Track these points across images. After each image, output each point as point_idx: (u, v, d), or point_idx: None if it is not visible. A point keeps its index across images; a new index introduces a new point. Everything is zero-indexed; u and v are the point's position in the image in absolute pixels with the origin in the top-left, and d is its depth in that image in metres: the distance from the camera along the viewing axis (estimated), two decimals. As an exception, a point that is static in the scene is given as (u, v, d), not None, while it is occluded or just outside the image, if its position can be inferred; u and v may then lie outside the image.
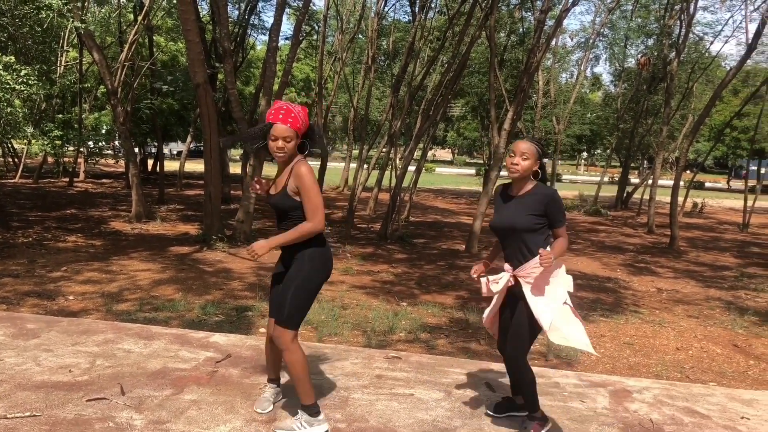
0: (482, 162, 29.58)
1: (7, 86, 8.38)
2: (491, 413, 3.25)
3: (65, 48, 17.04)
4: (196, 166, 28.58)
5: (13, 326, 4.34)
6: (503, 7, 16.45)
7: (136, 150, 19.89)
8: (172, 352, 3.99)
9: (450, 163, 60.44)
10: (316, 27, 20.75)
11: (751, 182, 20.88)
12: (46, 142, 15.48)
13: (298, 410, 2.95)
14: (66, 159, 19.05)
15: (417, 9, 13.33)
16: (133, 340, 4.17)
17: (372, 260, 8.95)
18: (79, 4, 11.20)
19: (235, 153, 29.11)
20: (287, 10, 14.94)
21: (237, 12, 17.78)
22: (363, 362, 4.03)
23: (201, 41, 10.04)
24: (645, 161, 31.70)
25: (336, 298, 6.30)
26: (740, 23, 41.04)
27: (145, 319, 5.11)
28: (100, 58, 11.11)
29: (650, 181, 17.34)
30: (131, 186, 11.92)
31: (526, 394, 3.01)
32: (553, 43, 21.16)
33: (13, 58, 9.26)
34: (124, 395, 3.24)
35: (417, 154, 13.94)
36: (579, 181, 39.40)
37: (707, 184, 41.39)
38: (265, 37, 31.63)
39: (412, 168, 13.19)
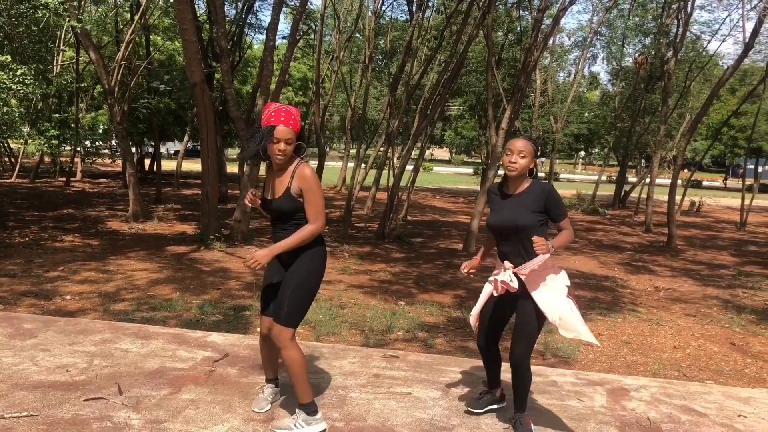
0: (480, 161, 29.64)
1: (4, 86, 8.34)
2: (473, 410, 3.23)
3: (62, 47, 16.97)
4: (193, 165, 28.62)
5: (10, 326, 4.34)
6: (501, 6, 16.46)
7: (133, 149, 19.90)
8: (169, 351, 3.99)
9: (448, 162, 60.45)
10: (314, 26, 20.72)
11: (749, 181, 20.90)
12: (42, 142, 15.41)
13: (296, 409, 2.95)
14: (63, 159, 19.01)
15: (414, 8, 13.30)
16: (130, 340, 4.17)
17: (370, 259, 8.95)
18: (75, 3, 11.15)
19: (232, 152, 29.05)
20: (284, 9, 14.89)
21: (234, 11, 17.73)
22: (361, 361, 4.03)
23: (198, 40, 10.02)
24: (642, 160, 31.81)
25: (334, 298, 6.30)
26: (737, 22, 41.09)
27: (142, 318, 5.10)
28: (96, 58, 11.08)
29: (648, 180, 17.37)
30: (128, 185, 11.90)
31: (523, 393, 3.00)
32: (551, 42, 21.14)
33: (9, 58, 9.21)
34: (121, 395, 3.24)
35: (415, 153, 13.93)
36: (577, 180, 39.45)
37: (705, 183, 41.43)
38: (262, 37, 31.60)
39: (409, 167, 13.20)
